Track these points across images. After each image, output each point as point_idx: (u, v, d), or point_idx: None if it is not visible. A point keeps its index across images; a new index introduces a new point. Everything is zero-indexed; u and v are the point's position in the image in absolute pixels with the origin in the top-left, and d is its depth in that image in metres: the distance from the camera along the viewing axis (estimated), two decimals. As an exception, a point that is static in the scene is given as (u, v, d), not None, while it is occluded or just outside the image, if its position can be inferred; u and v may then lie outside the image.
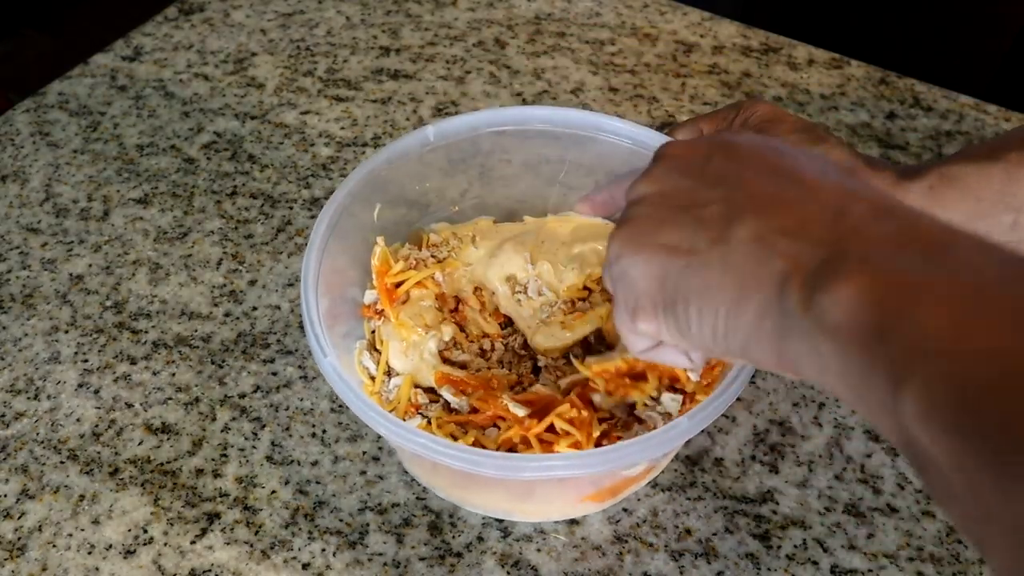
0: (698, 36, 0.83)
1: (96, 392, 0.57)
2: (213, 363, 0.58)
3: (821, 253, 0.29)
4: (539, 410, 0.48)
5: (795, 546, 0.50)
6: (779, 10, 1.14)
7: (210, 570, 0.49)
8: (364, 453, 0.54)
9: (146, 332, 0.60)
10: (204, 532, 0.50)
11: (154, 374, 0.58)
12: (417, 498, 0.52)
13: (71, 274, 0.64)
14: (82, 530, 0.51)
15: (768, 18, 0.95)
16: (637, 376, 0.47)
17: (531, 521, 0.51)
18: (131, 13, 0.94)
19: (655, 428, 0.45)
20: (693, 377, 0.47)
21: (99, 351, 0.59)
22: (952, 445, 0.24)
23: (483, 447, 0.47)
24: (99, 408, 0.56)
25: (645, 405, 0.48)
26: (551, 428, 0.46)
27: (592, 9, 0.86)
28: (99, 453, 0.54)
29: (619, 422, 0.48)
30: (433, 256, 0.56)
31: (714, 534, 0.50)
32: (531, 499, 0.49)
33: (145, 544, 0.50)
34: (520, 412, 0.47)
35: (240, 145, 0.73)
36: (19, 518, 0.51)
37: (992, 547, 0.24)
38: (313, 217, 0.67)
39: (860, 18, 1.09)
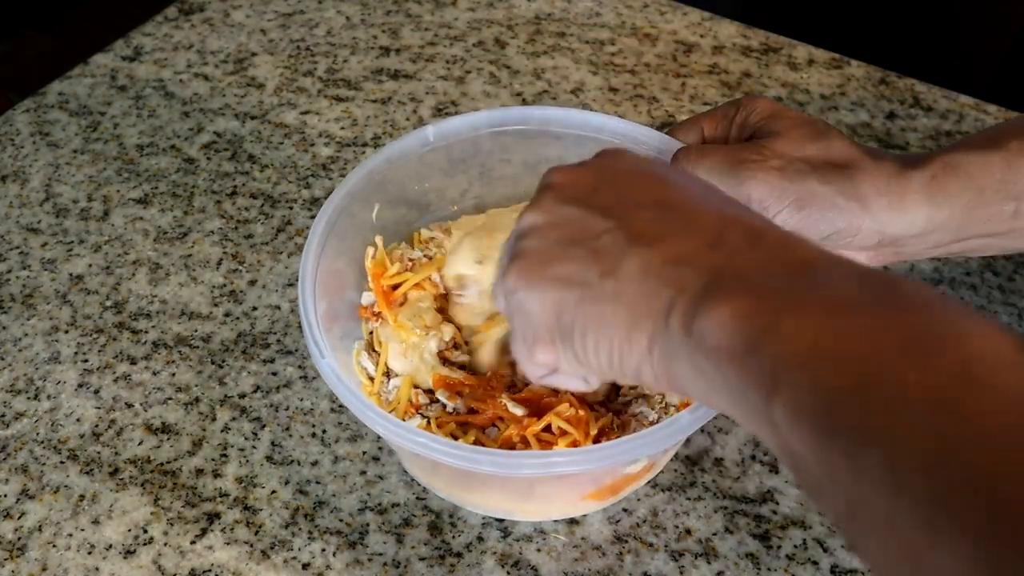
0: (698, 36, 0.83)
1: (96, 392, 0.57)
2: (213, 363, 0.58)
3: (702, 280, 0.31)
4: (537, 409, 0.48)
5: (795, 546, 0.50)
6: (779, 10, 1.14)
7: (210, 570, 0.49)
8: (364, 453, 0.54)
9: (146, 332, 0.60)
10: (204, 532, 0.50)
11: (154, 374, 0.58)
12: (417, 498, 0.52)
13: (71, 274, 0.64)
14: (82, 530, 0.51)
15: (768, 18, 0.95)
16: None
17: (532, 521, 0.51)
18: (131, 13, 0.94)
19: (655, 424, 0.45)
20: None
21: (99, 351, 0.59)
22: (818, 445, 0.26)
23: (484, 446, 0.47)
24: (99, 408, 0.56)
25: (641, 399, 0.48)
26: (549, 428, 0.47)
27: (592, 9, 0.86)
28: (99, 453, 0.54)
29: (615, 423, 0.48)
30: (425, 255, 0.56)
31: (714, 534, 0.50)
32: (532, 498, 0.49)
33: (145, 544, 0.50)
34: (519, 412, 0.47)
35: (240, 145, 0.73)
36: (19, 518, 0.51)
37: (863, 545, 0.26)
38: (313, 217, 0.67)
39: (860, 18, 1.09)
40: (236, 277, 0.64)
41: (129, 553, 0.50)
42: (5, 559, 0.49)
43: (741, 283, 0.30)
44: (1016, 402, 0.24)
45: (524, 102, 0.77)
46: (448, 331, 0.52)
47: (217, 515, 0.51)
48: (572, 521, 0.51)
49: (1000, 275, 0.63)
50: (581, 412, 0.47)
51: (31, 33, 1.88)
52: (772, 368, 0.28)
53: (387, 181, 0.54)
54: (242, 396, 0.57)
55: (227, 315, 0.61)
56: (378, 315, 0.53)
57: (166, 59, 0.81)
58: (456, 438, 0.48)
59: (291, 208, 0.68)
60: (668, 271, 0.32)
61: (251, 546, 0.50)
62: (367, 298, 0.54)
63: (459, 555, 0.49)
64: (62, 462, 0.54)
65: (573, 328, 0.35)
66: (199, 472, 0.53)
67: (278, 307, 0.62)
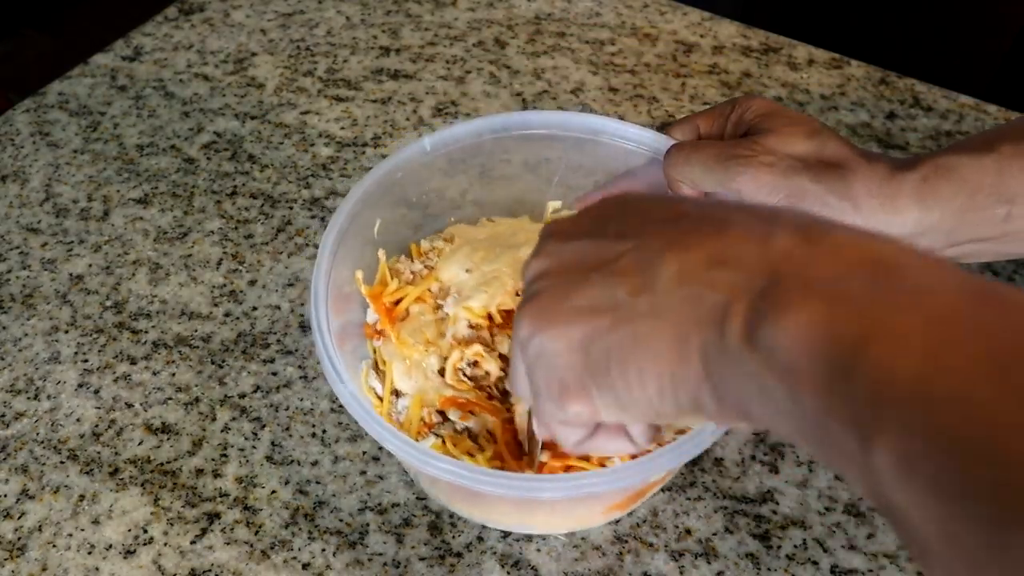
0: (698, 36, 0.83)
1: (96, 392, 0.57)
2: (213, 363, 0.58)
3: (760, 281, 0.25)
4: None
5: (795, 546, 0.50)
6: (779, 10, 1.14)
7: (210, 570, 0.49)
8: (364, 453, 0.54)
9: (146, 332, 0.60)
10: (204, 532, 0.50)
11: (154, 374, 0.58)
12: (417, 498, 0.52)
13: (71, 274, 0.64)
14: (82, 530, 0.51)
15: (768, 18, 0.95)
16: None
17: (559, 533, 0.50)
18: (131, 13, 0.94)
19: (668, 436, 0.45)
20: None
21: (99, 351, 0.59)
22: (938, 507, 0.21)
23: (502, 459, 0.47)
24: (99, 408, 0.56)
25: None
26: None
27: (592, 9, 0.86)
28: (99, 453, 0.54)
29: None
30: (425, 266, 0.55)
31: (714, 534, 0.50)
32: (555, 512, 0.48)
33: (145, 544, 0.50)
34: (544, 458, 0.46)
35: (240, 145, 0.73)
36: (19, 518, 0.51)
37: None
38: (313, 217, 0.67)
39: (860, 18, 1.09)
40: (236, 277, 0.64)
41: (129, 553, 0.50)
42: (5, 559, 0.49)
43: (810, 285, 0.25)
44: None
45: (524, 102, 0.77)
46: (446, 345, 0.51)
47: (217, 515, 0.51)
48: (572, 521, 0.51)
49: (1000, 275, 0.63)
50: None
51: (31, 33, 1.88)
52: (869, 402, 0.22)
53: (389, 192, 0.54)
54: (242, 396, 0.57)
55: (227, 315, 0.61)
56: (381, 332, 0.52)
57: (166, 59, 0.81)
58: (472, 455, 0.47)
59: (291, 208, 0.68)
60: (716, 273, 0.27)
61: (251, 546, 0.50)
62: (371, 316, 0.53)
63: (459, 555, 0.49)
64: (62, 462, 0.54)
65: (609, 362, 0.29)
66: (199, 472, 0.53)
67: (278, 307, 0.62)
